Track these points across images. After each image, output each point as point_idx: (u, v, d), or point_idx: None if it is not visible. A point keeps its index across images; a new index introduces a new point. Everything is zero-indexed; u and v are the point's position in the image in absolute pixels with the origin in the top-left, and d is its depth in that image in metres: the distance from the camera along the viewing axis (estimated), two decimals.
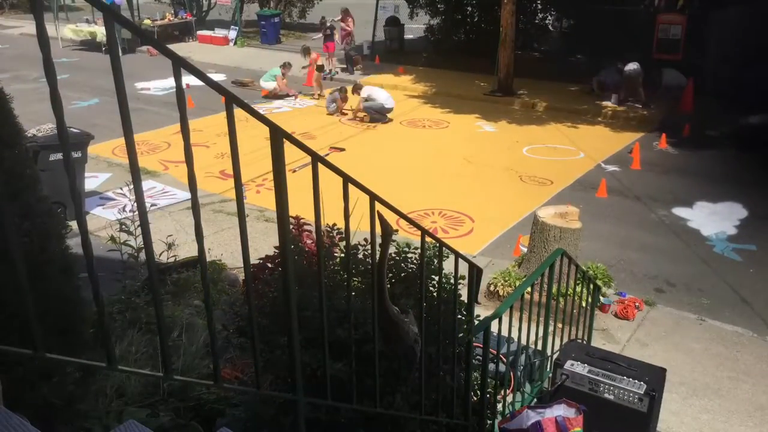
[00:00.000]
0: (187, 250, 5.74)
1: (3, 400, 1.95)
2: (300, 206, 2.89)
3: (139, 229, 1.63)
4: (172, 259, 5.01)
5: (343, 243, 2.28)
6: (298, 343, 2.02)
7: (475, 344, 3.05)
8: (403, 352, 2.50)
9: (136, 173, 1.54)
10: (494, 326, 3.26)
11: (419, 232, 2.44)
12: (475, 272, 3.01)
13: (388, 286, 2.43)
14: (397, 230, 2.48)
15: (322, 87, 14.45)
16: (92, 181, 8.66)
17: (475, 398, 3.19)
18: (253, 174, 8.68)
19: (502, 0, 13.64)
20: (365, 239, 2.56)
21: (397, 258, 3.09)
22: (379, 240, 2.19)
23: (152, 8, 23.84)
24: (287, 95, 14.24)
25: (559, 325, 4.44)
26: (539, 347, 4.24)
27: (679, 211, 8.46)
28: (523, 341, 3.99)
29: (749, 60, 12.26)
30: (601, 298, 5.99)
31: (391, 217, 2.21)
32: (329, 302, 2.55)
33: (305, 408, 2.21)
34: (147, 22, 20.13)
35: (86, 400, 2.75)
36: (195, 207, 1.66)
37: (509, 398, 3.87)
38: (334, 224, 3.38)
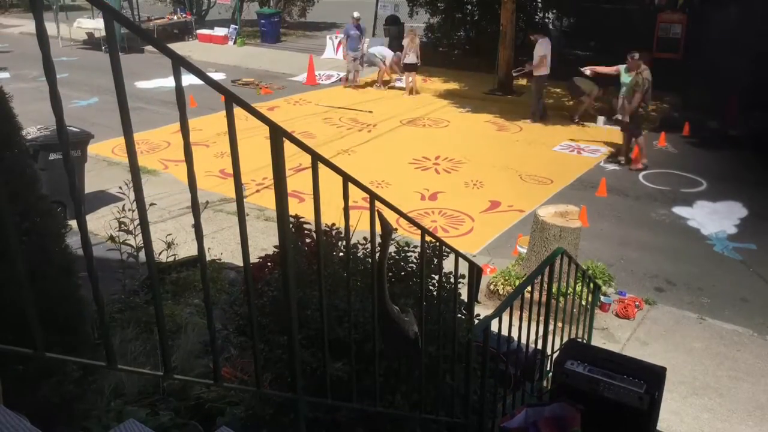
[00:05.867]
0: (186, 249, 5.74)
1: (3, 398, 1.95)
2: (300, 206, 2.89)
3: (138, 228, 1.63)
4: (171, 259, 5.01)
5: (343, 242, 2.28)
6: (298, 342, 2.01)
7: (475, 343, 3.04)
8: (404, 351, 2.49)
9: (135, 172, 1.54)
10: (494, 325, 3.26)
11: (419, 231, 2.44)
12: (475, 271, 3.01)
13: (388, 285, 2.43)
14: (396, 229, 2.47)
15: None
16: None
17: (474, 397, 3.19)
18: (253, 173, 8.68)
19: None
20: (365, 238, 2.56)
21: (397, 257, 3.09)
22: (379, 239, 2.19)
23: (152, 7, 23.83)
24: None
25: (559, 325, 4.43)
26: (539, 346, 4.23)
27: (679, 210, 8.46)
28: (524, 340, 3.99)
29: (749, 59, 12.25)
30: (602, 297, 5.98)
31: (391, 216, 2.20)
32: (329, 301, 2.55)
33: (305, 407, 2.21)
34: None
35: (86, 399, 2.75)
36: (195, 206, 1.66)
37: (509, 397, 3.87)
38: (334, 224, 3.38)
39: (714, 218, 8.20)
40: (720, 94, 12.43)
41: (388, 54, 15.07)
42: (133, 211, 3.46)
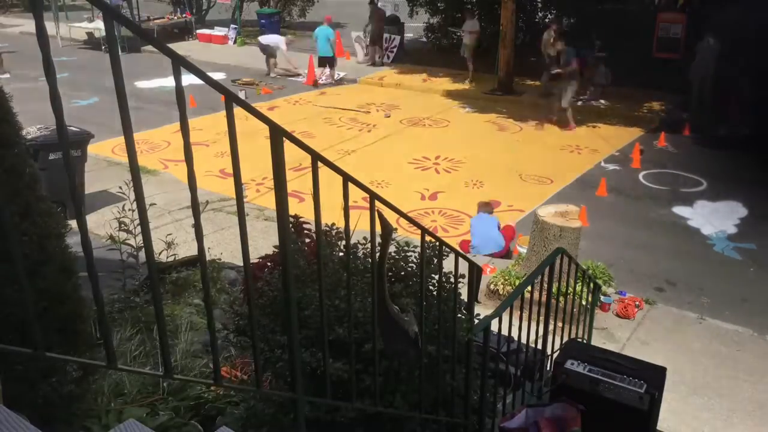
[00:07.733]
0: (186, 249, 5.74)
1: (2, 398, 1.95)
2: (300, 206, 2.88)
3: (138, 228, 1.63)
4: (171, 258, 5.02)
5: (343, 242, 2.28)
6: (298, 342, 2.01)
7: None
8: (404, 351, 2.49)
9: (135, 172, 1.54)
10: (494, 325, 3.26)
11: (419, 231, 2.44)
12: (475, 271, 3.01)
13: (388, 285, 2.43)
14: (396, 229, 2.47)
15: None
16: None
17: (474, 397, 3.19)
18: (253, 173, 8.68)
19: None
20: (365, 238, 2.56)
21: (397, 257, 3.09)
22: (379, 239, 2.19)
23: (152, 7, 23.82)
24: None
25: (559, 324, 4.43)
26: (539, 346, 4.23)
27: (679, 210, 8.47)
28: (523, 340, 3.99)
29: (749, 59, 12.25)
30: (602, 297, 5.98)
31: (391, 216, 2.20)
32: (329, 301, 2.55)
33: (305, 407, 2.21)
34: None
35: (86, 399, 2.75)
36: (195, 206, 1.66)
37: (509, 397, 3.87)
38: (334, 224, 3.38)
39: (714, 218, 8.20)
40: (720, 94, 12.43)
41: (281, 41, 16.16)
42: (133, 210, 3.46)
